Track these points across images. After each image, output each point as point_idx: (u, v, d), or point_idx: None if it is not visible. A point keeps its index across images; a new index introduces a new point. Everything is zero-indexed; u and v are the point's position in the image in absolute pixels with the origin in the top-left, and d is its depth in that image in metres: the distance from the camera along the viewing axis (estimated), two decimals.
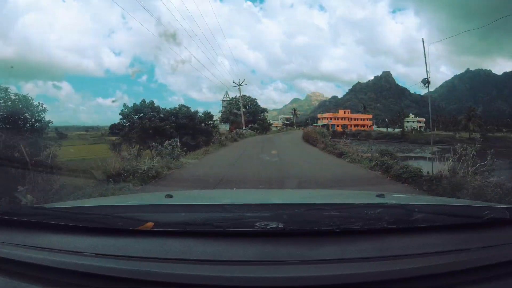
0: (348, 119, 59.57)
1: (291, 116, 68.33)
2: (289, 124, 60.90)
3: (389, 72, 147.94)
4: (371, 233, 1.05)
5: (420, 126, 60.63)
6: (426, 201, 1.94)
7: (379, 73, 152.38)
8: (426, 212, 1.18)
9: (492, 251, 0.95)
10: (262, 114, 55.19)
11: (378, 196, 1.66)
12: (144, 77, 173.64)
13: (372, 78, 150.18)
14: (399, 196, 2.43)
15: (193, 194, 2.66)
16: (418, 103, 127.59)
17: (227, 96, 56.03)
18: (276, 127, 56.58)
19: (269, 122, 58.27)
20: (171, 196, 1.65)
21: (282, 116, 74.53)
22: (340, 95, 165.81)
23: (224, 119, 47.32)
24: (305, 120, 70.20)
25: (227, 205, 1.45)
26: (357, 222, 1.05)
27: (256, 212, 1.20)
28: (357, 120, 61.27)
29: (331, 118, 59.42)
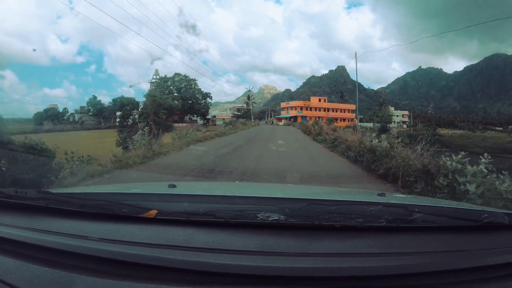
0: (325, 110, 42.84)
1: (245, 105, 49.46)
2: (242, 116, 42.76)
3: (343, 66, 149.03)
4: (371, 230, 1.07)
5: (404, 121, 50.17)
6: (426, 202, 1.81)
7: (333, 67, 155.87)
8: (426, 212, 1.17)
9: (490, 254, 0.97)
10: (203, 102, 39.46)
11: (379, 195, 1.65)
12: (93, 67, 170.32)
13: (326, 72, 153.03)
14: (400, 196, 2.41)
15: (197, 185, 2.93)
16: (371, 98, 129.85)
17: (157, 76, 38.26)
18: (224, 120, 38.28)
19: (212, 115, 45.95)
20: (174, 186, 1.64)
21: (232, 106, 55.49)
22: (293, 89, 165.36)
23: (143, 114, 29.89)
24: (259, 113, 58.55)
25: (230, 197, 1.41)
26: (357, 218, 1.08)
27: (258, 205, 1.20)
28: (337, 111, 44.63)
29: (301, 108, 42.62)
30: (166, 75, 35.32)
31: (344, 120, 43.44)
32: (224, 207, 1.22)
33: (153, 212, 1.12)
